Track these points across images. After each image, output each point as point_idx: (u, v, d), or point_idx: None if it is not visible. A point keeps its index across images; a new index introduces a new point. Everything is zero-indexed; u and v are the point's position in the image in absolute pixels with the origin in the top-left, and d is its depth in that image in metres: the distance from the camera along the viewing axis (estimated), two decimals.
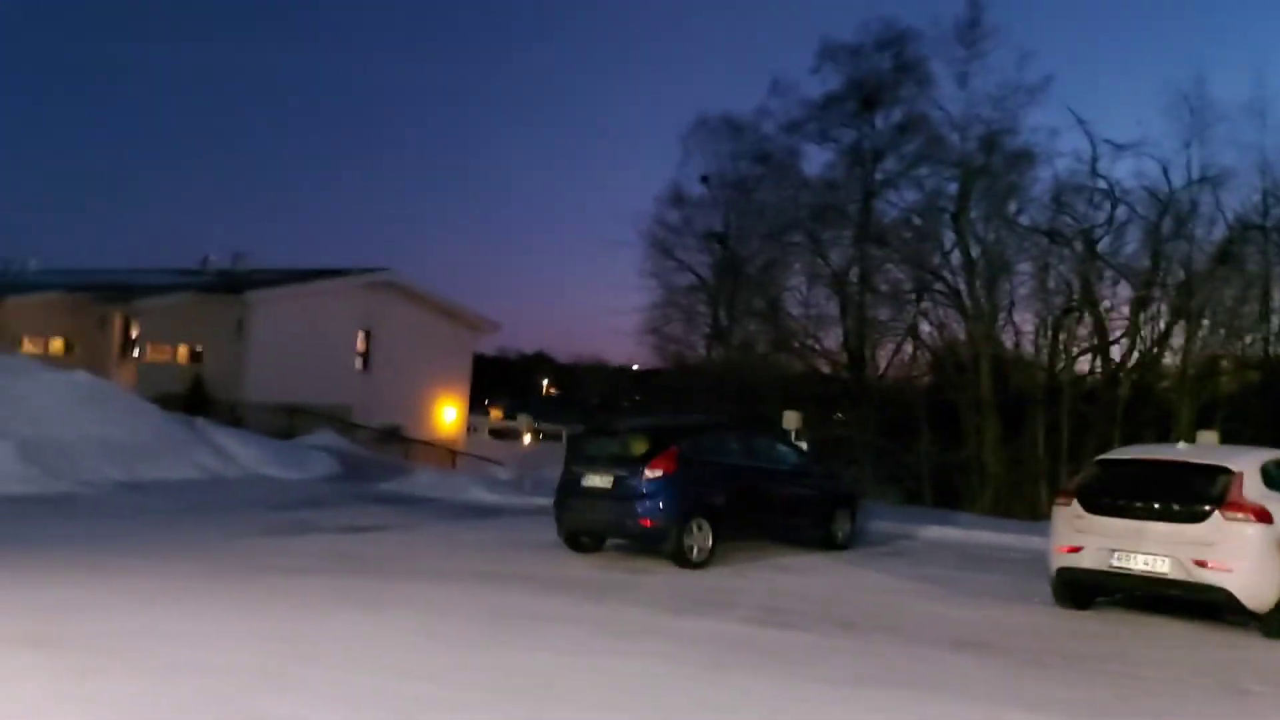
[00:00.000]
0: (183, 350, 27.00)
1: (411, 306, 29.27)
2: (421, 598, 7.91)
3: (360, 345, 28.40)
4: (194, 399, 23.81)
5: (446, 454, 27.67)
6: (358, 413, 26.40)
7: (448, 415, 30.69)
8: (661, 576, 9.64)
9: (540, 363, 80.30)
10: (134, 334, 27.38)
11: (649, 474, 10.29)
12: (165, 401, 21.08)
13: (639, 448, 10.65)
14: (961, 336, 24.89)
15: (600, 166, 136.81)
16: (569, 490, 10.79)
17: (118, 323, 27.35)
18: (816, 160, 30.16)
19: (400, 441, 26.45)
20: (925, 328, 26.14)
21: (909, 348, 26.72)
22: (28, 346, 28.02)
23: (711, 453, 11.05)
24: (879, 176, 27.66)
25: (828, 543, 11.92)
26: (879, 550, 12.28)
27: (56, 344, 28.89)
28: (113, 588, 7.66)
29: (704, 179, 30.10)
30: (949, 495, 21.99)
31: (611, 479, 10.49)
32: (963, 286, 24.50)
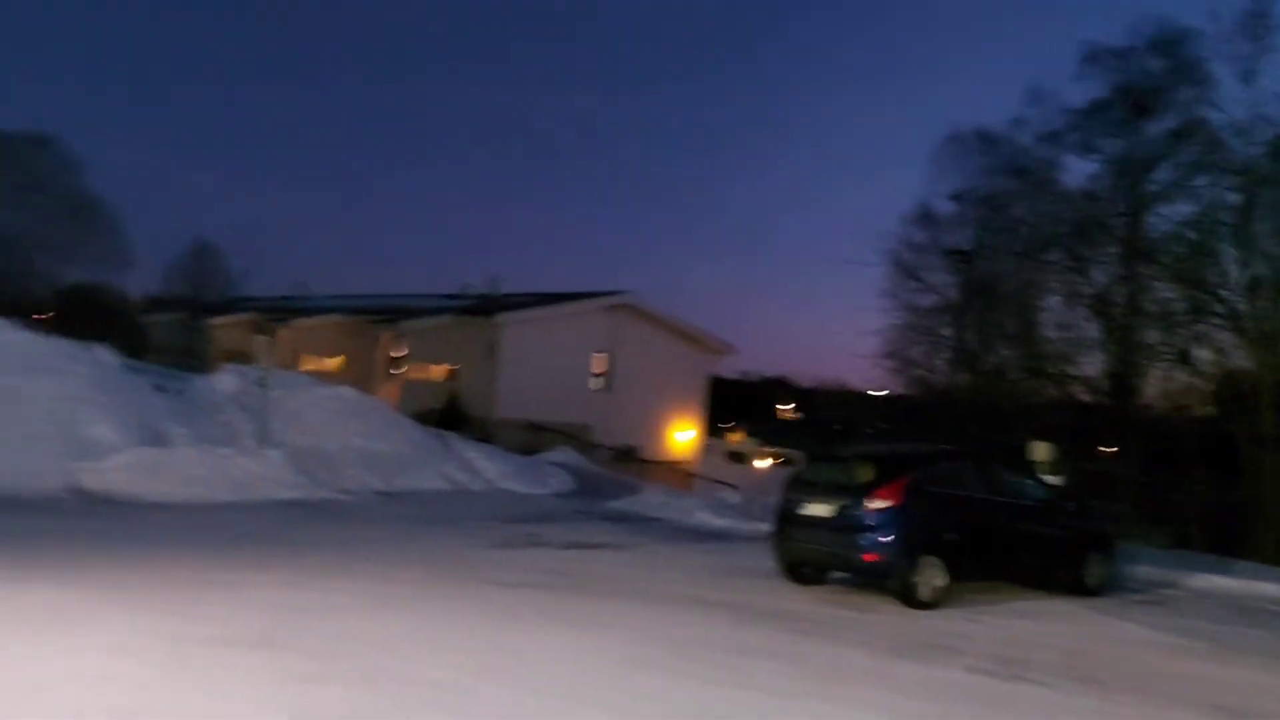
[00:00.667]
0: (441, 369, 28.78)
1: (650, 329, 29.80)
2: (629, 620, 7.86)
3: (600, 366, 29.19)
4: (450, 415, 25.30)
5: (680, 475, 27.87)
6: (597, 432, 27.12)
7: (683, 437, 30.94)
8: (885, 616, 9.11)
9: (781, 387, 79.74)
10: (399, 354, 29.48)
11: (874, 505, 9.78)
12: (424, 417, 22.54)
13: (864, 476, 10.16)
14: (1241, 363, 22.27)
15: (843, 187, 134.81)
16: (788, 518, 10.45)
17: (385, 343, 29.55)
18: (1078, 172, 27.98)
19: (635, 461, 26.89)
20: (1199, 353, 23.58)
21: (1180, 375, 24.21)
22: (309, 364, 30.84)
23: (946, 483, 10.35)
24: (1149, 188, 25.30)
25: (1077, 587, 10.88)
26: (1137, 598, 11.10)
27: (333, 362, 31.60)
28: (347, 591, 8.12)
29: (955, 196, 28.77)
30: (1224, 540, 19.65)
31: (834, 508, 10.05)
32: (1244, 307, 21.93)
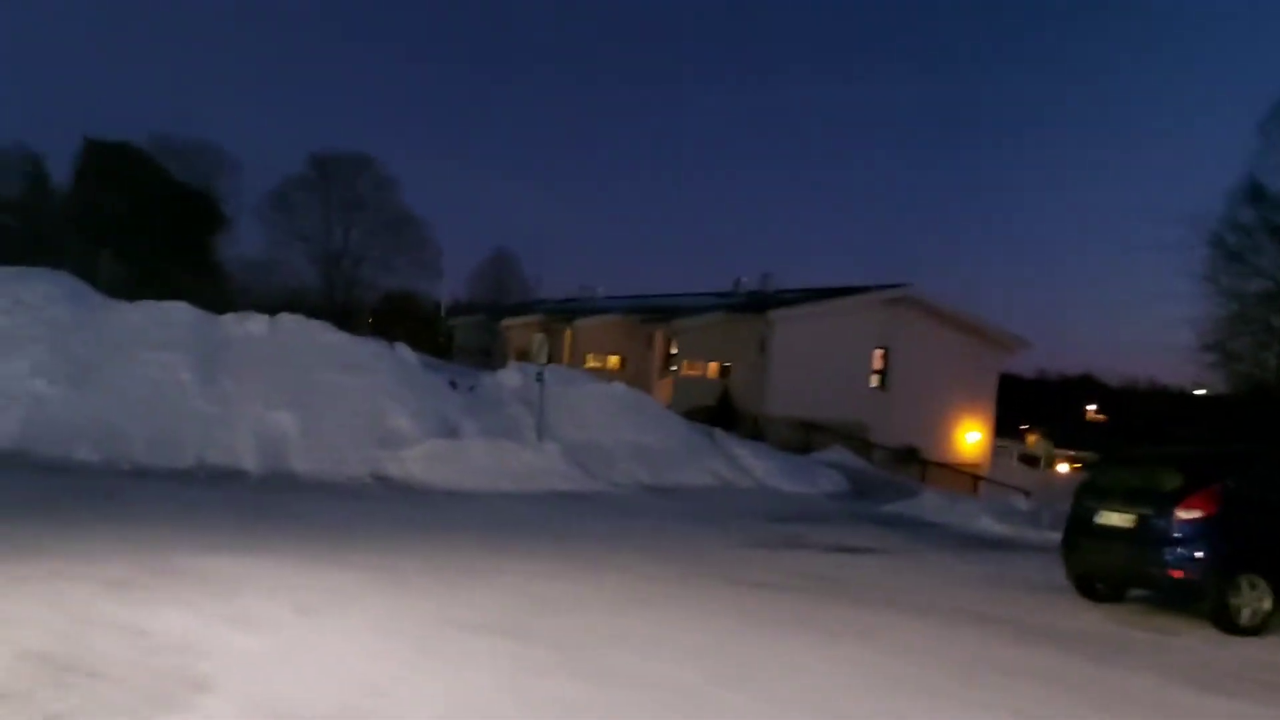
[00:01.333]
0: (713, 366, 28.96)
1: (932, 323, 28.42)
2: (889, 633, 7.34)
3: (877, 362, 28.20)
4: (721, 412, 25.37)
5: (966, 479, 26.35)
6: (874, 431, 26.20)
7: (970, 438, 29.25)
8: (1192, 640, 7.98)
9: (1085, 385, 73.83)
10: (673, 351, 29.98)
11: (1181, 515, 8.62)
12: (696, 414, 22.74)
13: (1169, 482, 8.98)
14: None
15: (1147, 167, 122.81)
16: (1080, 528, 9.43)
17: (659, 341, 30.16)
18: None
19: (916, 463, 25.72)
20: None
21: None
22: (591, 361, 32.07)
23: (1271, 490, 8.97)
24: None
25: None
26: None
27: (612, 360, 32.69)
28: (599, 585, 8.17)
29: None
30: None
31: (1133, 518, 8.95)
32: None
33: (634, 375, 27.84)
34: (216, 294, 33.77)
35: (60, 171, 41.19)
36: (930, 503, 16.73)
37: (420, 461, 15.15)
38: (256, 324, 17.97)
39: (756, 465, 18.61)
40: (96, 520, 9.05)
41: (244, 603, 6.36)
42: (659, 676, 5.59)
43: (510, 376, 19.39)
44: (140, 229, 38.56)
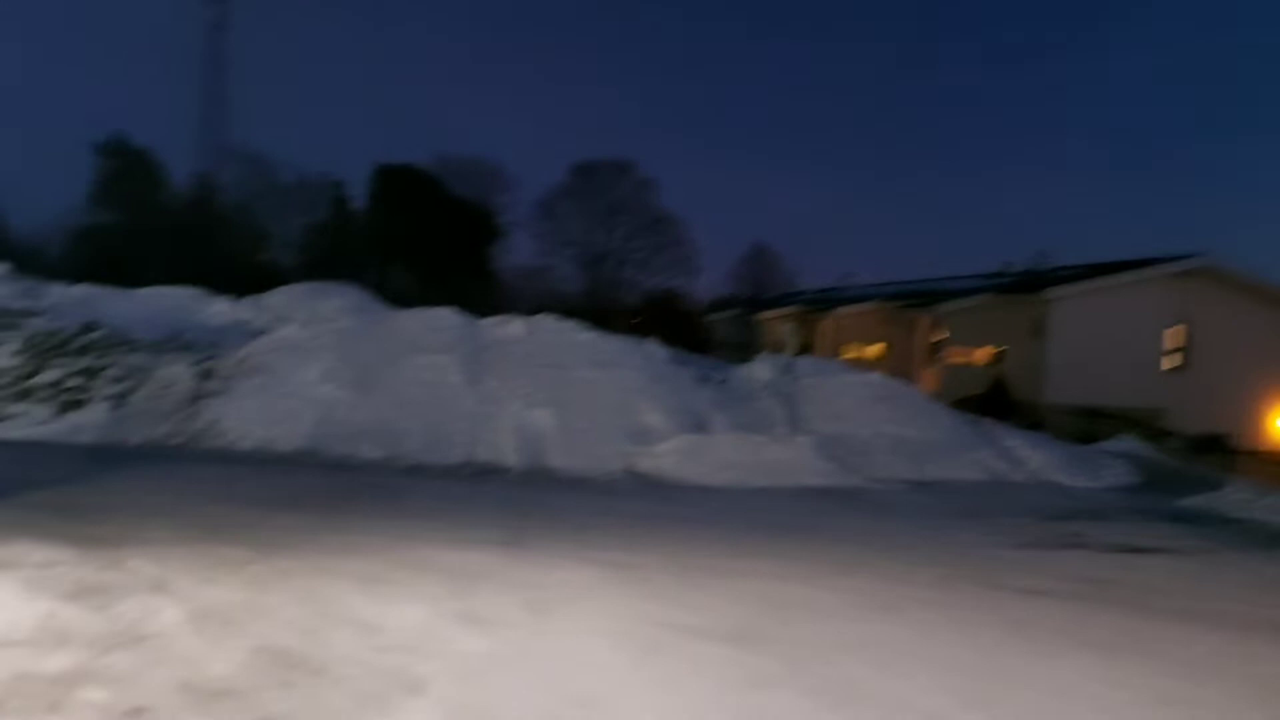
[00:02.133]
0: (982, 352, 27.25)
1: (1238, 297, 25.36)
2: (1179, 648, 6.38)
3: (1171, 342, 25.43)
4: (992, 400, 23.82)
5: None
6: (1171, 417, 23.65)
7: None
8: None
9: None
10: (937, 338, 28.50)
11: None
12: (965, 403, 21.46)
13: None
14: None
15: None
16: None
17: (923, 328, 28.78)
18: None
19: (1220, 452, 22.94)
20: None
21: None
22: (850, 351, 31.16)
23: None
24: None
25: None
26: None
27: (873, 349, 31.57)
28: (844, 588, 7.70)
29: None
30: None
31: None
32: None
33: (896, 364, 26.72)
34: (490, 300, 35.81)
35: (359, 196, 45.30)
36: (1235, 496, 14.75)
37: (670, 456, 15.19)
38: (516, 326, 18.76)
39: (1031, 457, 17.22)
40: (368, 515, 9.64)
41: (480, 599, 6.46)
42: (902, 696, 5.10)
43: (761, 369, 19.09)
44: (425, 244, 41.71)
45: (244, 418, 15.58)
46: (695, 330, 45.61)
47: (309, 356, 17.26)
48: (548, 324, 19.12)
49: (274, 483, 11.72)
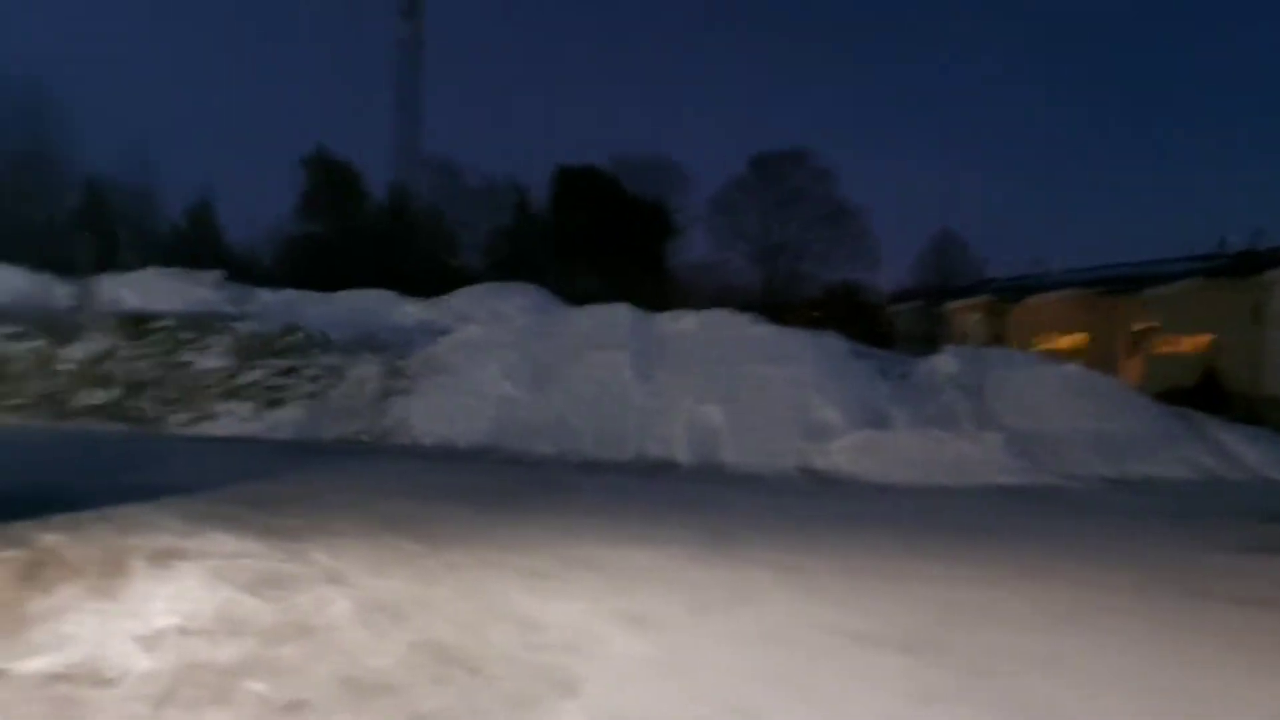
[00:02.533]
0: (1193, 341, 25.17)
1: None
2: None
3: None
4: (1204, 393, 21.94)
5: None
6: None
7: None
8: None
9: None
10: (1142, 326, 26.54)
11: None
12: (1173, 395, 19.88)
13: None
14: None
15: None
16: None
17: (1125, 315, 26.86)
18: None
19: None
20: None
21: None
22: (1044, 342, 29.45)
23: None
24: None
25: None
26: None
27: (1070, 339, 29.73)
28: (1032, 595, 7.13)
29: None
30: None
31: None
32: None
33: (1095, 355, 25.03)
34: (665, 296, 35.98)
35: (541, 197, 46.54)
36: None
37: (847, 453, 14.71)
38: (689, 321, 18.68)
39: (1250, 453, 15.69)
40: (539, 511, 9.75)
41: (643, 599, 6.35)
42: (1082, 716, 4.64)
43: (946, 362, 18.23)
44: (603, 242, 42.38)
45: (428, 415, 16.18)
46: (876, 323, 44.35)
47: (489, 355, 17.75)
48: (721, 318, 18.94)
49: (452, 478, 12.08)
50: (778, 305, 41.56)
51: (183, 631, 4.84)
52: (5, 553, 6.40)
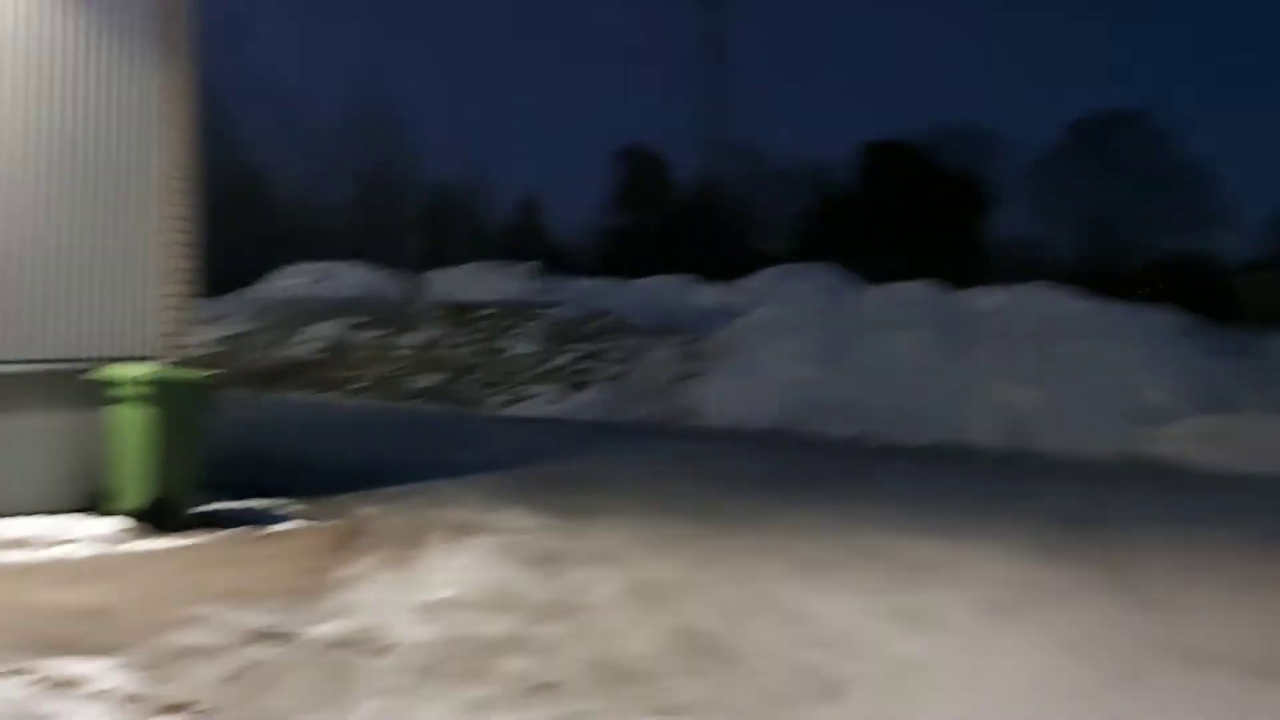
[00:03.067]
0: None
1: None
2: None
3: None
4: None
5: None
6: None
7: None
8: None
9: None
10: None
11: None
12: None
13: None
14: None
15: None
16: None
17: None
18: None
19: None
20: None
21: None
22: None
23: None
24: None
25: None
26: None
27: None
28: None
29: None
30: None
31: None
32: None
33: None
34: (977, 272, 34.00)
35: (847, 175, 45.57)
36: None
37: (1182, 440, 13.05)
38: (998, 296, 17.43)
39: None
40: (825, 496, 9.41)
41: (926, 596, 5.89)
42: None
43: None
44: (911, 219, 40.81)
45: (721, 396, 16.21)
46: (1221, 297, 39.37)
47: (782, 336, 17.51)
48: (1035, 293, 17.52)
49: (742, 461, 11.99)
50: (1102, 278, 37.98)
51: (458, 605, 5.06)
52: (326, 522, 7.06)
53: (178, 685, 3.81)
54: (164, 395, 6.59)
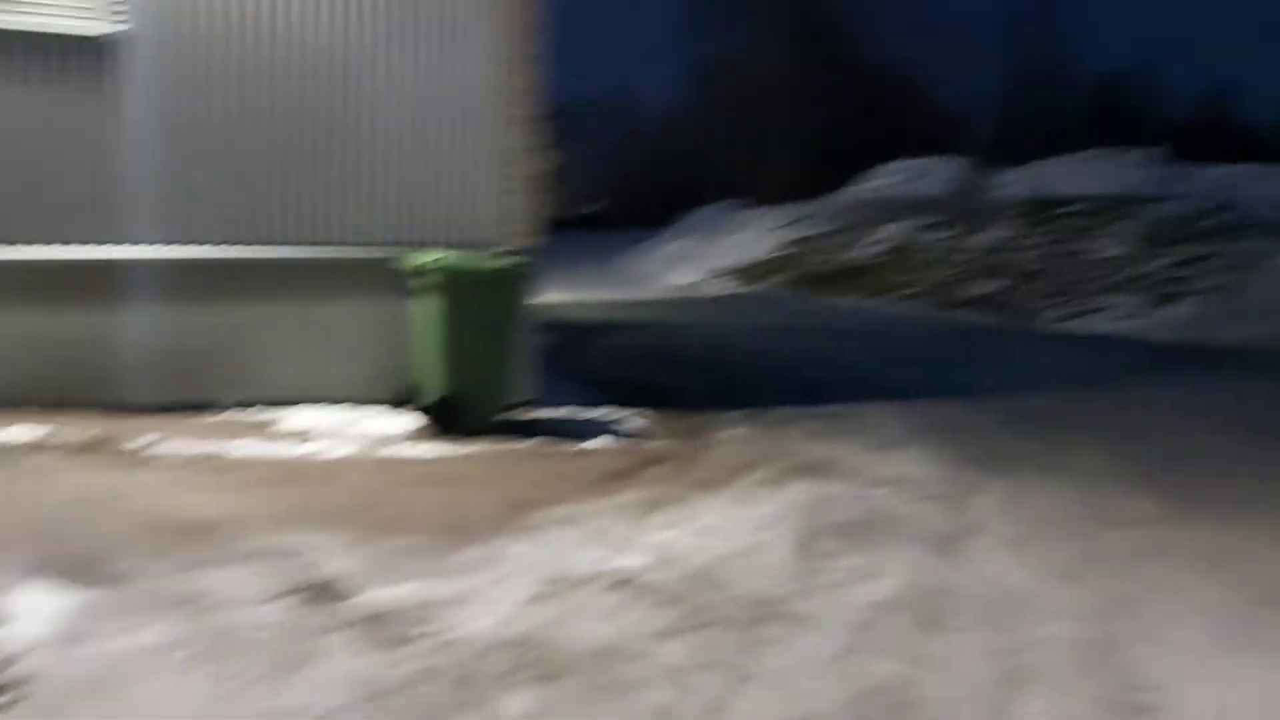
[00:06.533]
0: None
1: None
2: None
3: None
4: None
5: None
6: None
7: None
8: None
9: None
10: None
11: None
12: None
13: None
14: None
15: None
16: None
17: None
18: None
19: None
20: None
21: None
22: None
23: None
24: None
25: None
26: None
27: None
28: None
29: None
30: None
31: None
32: None
33: None
34: None
35: None
36: None
37: None
38: None
39: None
40: None
41: None
42: None
43: None
44: None
45: None
46: None
47: None
48: None
49: None
50: None
51: (657, 568, 3.95)
52: (652, 444, 6.13)
53: None
54: (456, 284, 5.88)
